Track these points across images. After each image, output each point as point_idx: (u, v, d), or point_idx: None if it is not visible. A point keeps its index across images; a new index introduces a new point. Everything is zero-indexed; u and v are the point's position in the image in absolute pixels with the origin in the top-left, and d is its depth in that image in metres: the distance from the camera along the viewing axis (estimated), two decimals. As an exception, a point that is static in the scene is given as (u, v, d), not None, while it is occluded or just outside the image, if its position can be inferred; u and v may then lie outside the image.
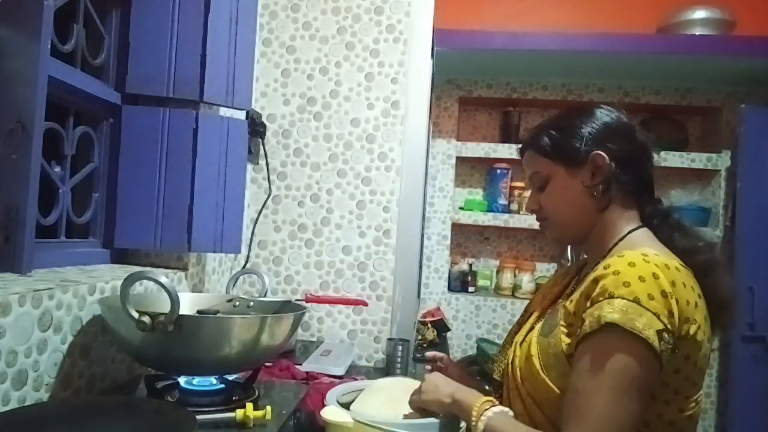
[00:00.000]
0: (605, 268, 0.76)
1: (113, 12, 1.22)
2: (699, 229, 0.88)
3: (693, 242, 0.84)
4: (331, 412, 0.84)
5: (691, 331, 0.74)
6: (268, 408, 0.86)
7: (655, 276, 0.72)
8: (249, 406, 0.84)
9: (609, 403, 0.70)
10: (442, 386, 0.89)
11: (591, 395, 0.71)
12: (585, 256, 0.98)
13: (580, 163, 0.88)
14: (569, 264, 2.45)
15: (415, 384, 0.95)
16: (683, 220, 0.90)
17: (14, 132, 0.87)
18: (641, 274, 0.73)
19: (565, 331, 0.80)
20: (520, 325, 0.98)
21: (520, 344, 0.89)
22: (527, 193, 2.65)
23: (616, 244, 0.85)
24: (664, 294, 0.72)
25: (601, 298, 0.73)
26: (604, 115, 0.90)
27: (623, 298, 0.71)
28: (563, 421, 0.74)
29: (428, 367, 1.07)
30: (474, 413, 0.80)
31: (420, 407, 0.90)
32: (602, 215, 0.88)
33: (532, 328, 0.90)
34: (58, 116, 1.07)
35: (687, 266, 0.80)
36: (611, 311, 0.71)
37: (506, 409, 0.81)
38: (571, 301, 0.82)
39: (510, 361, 0.90)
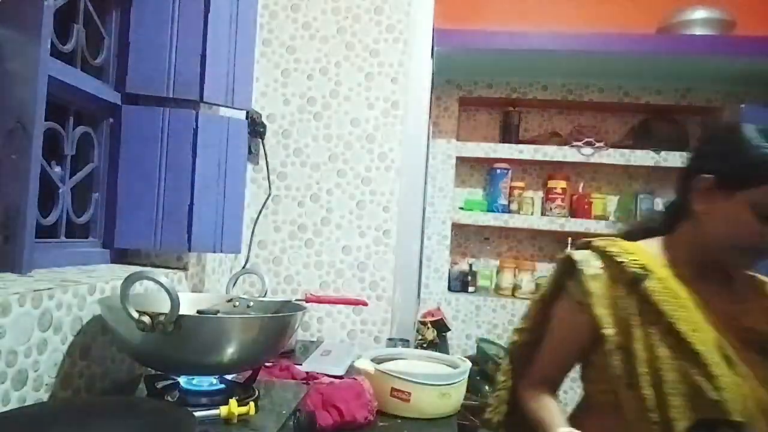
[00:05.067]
0: None
1: (113, 12, 1.22)
2: None
3: None
4: (361, 362, 1.08)
5: None
6: (252, 404, 0.86)
7: None
8: (232, 402, 0.84)
9: None
10: None
11: None
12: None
13: None
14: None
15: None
16: None
17: (14, 132, 0.87)
18: None
19: None
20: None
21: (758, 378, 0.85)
22: (527, 193, 2.66)
23: None
24: None
25: None
26: None
27: None
28: None
29: None
30: None
31: None
32: None
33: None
34: (58, 116, 1.07)
35: None
36: None
37: None
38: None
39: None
